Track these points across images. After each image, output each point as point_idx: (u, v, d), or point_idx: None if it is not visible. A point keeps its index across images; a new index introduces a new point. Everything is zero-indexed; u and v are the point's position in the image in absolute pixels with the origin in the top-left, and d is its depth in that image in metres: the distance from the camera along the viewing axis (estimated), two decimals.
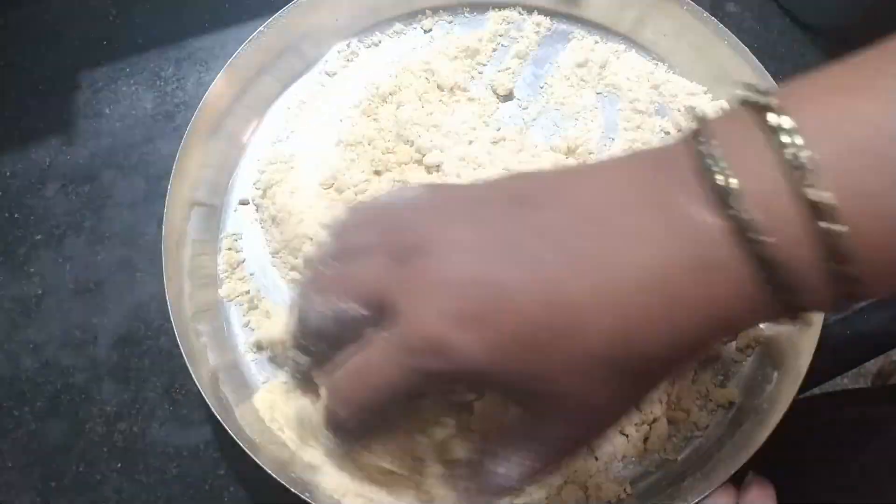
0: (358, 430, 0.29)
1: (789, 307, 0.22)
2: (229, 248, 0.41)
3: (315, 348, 0.29)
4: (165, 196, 0.38)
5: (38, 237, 0.43)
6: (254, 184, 0.43)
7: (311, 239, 0.39)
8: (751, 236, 0.21)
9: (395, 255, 0.25)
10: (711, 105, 0.43)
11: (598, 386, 0.24)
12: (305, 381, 0.33)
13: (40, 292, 0.42)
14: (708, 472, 0.34)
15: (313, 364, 0.30)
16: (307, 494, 0.32)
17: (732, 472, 0.33)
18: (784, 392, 0.35)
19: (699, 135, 0.23)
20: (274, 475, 0.33)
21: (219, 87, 0.41)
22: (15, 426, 0.39)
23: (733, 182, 0.21)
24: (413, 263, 0.25)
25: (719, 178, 0.21)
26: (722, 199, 0.21)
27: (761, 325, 0.38)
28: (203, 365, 0.37)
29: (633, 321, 0.22)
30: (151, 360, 0.40)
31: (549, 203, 0.24)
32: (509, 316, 0.23)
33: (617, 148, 0.43)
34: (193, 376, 0.35)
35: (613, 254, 0.23)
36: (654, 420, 0.37)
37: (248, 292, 0.40)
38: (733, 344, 0.38)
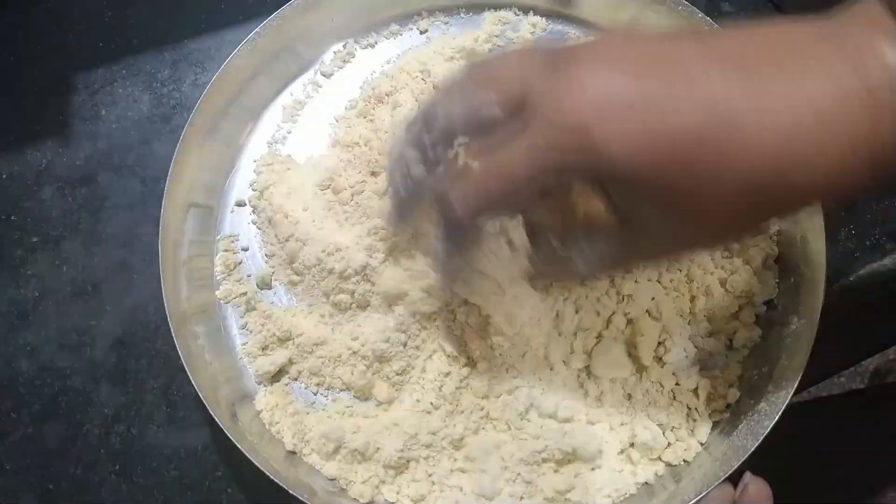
0: (471, 230, 0.28)
1: None
2: (226, 250, 0.41)
3: (430, 150, 0.28)
4: (162, 198, 0.38)
5: (35, 240, 0.43)
6: (250, 185, 0.43)
7: (304, 242, 0.39)
8: None
9: (547, 62, 0.25)
10: None
11: (731, 209, 0.23)
12: (410, 201, 0.32)
13: (37, 295, 0.42)
14: (706, 470, 0.34)
15: (425, 168, 0.29)
16: (305, 496, 0.32)
17: (730, 471, 0.33)
18: (781, 391, 0.35)
19: None
20: (272, 477, 0.33)
21: (215, 89, 0.41)
22: (12, 429, 0.39)
23: None
24: (566, 68, 0.24)
25: None
26: None
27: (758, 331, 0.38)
28: (200, 367, 0.37)
29: (795, 150, 0.22)
30: (149, 363, 0.40)
31: (728, 34, 0.24)
32: (666, 119, 0.22)
33: None
34: (191, 378, 0.35)
35: (790, 82, 0.22)
36: (659, 424, 0.37)
37: (245, 294, 0.40)
38: (730, 342, 0.39)
